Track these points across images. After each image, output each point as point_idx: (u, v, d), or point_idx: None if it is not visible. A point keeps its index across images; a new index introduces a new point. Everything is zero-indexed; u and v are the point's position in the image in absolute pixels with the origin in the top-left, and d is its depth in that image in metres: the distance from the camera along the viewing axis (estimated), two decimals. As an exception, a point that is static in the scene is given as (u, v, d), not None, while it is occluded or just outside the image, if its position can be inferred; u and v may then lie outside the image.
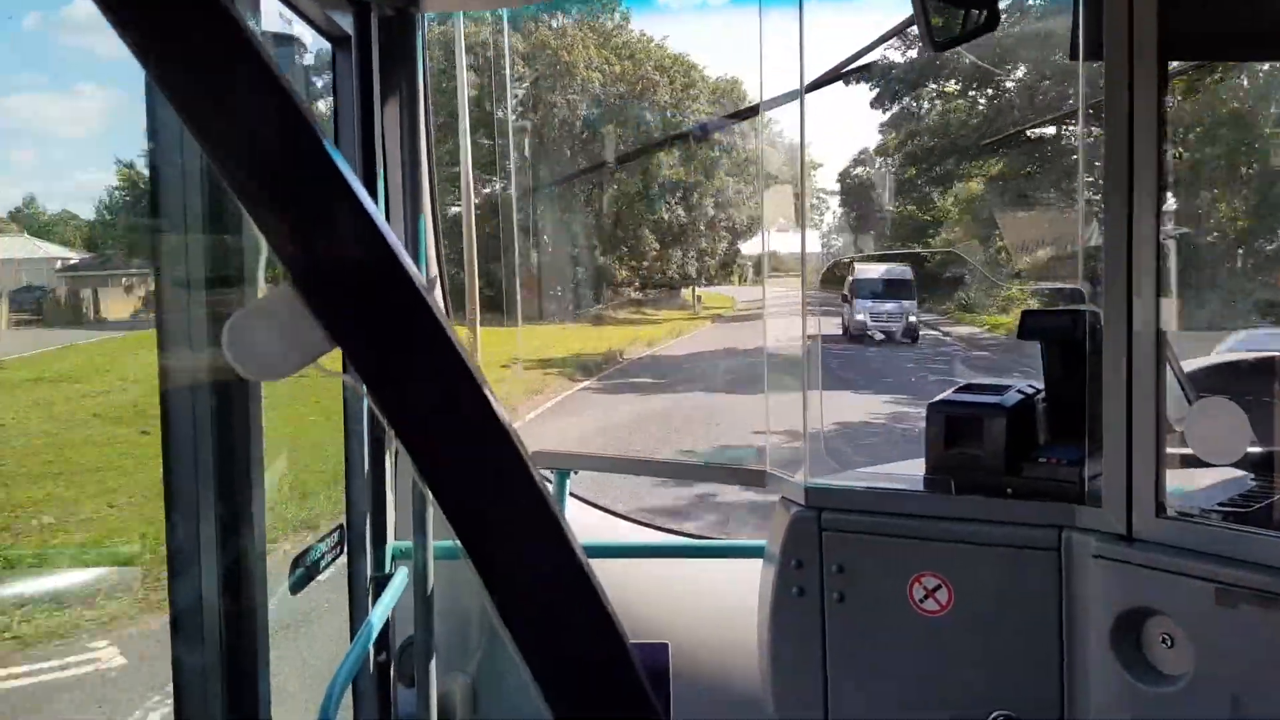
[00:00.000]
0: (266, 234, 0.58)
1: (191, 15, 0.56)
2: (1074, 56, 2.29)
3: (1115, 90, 2.06)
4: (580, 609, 0.59)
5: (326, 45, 2.95)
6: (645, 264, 28.91)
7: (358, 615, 3.06)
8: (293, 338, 0.60)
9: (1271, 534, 1.95)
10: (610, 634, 0.59)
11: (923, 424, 2.54)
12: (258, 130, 0.57)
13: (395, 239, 0.58)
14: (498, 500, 0.59)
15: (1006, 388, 2.53)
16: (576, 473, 3.33)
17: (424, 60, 3.16)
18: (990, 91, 24.17)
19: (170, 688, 2.09)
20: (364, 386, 0.58)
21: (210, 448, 2.04)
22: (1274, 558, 1.90)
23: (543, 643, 0.59)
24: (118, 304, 15.72)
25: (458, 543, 0.60)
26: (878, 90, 24.82)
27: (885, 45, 2.77)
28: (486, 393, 0.58)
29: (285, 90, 0.57)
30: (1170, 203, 2.06)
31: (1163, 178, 2.01)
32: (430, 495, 0.59)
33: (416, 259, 3.11)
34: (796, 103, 2.66)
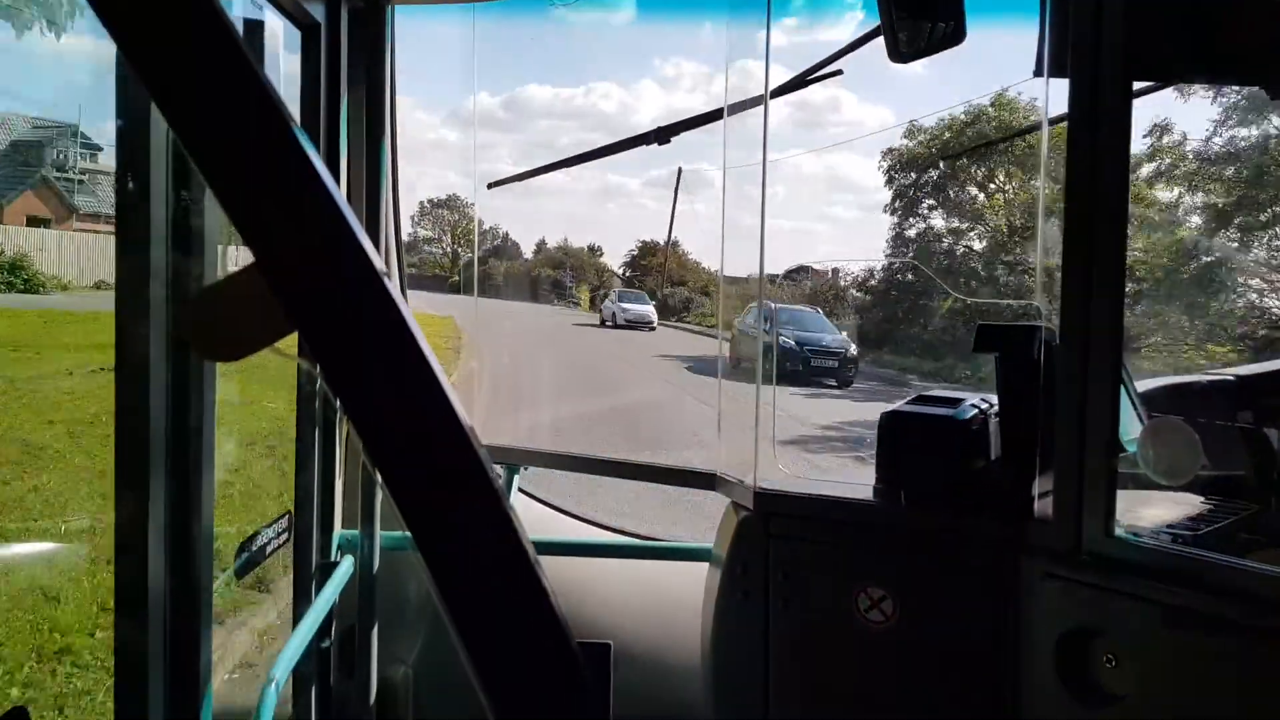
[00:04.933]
0: (232, 215, 0.56)
1: None
2: (1039, 73, 2.20)
3: (1080, 108, 1.97)
4: (527, 605, 0.57)
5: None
6: None
7: (301, 603, 2.94)
8: (253, 320, 0.58)
9: (1221, 558, 1.86)
10: (556, 631, 0.57)
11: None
12: (229, 112, 0.55)
13: (360, 227, 0.57)
14: (449, 491, 0.57)
15: (960, 400, 2.44)
16: (525, 468, 3.23)
17: (392, 52, 3.06)
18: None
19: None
20: (319, 370, 0.56)
21: (163, 426, 1.94)
22: (1223, 582, 1.81)
23: (486, 637, 0.57)
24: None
25: (405, 533, 0.55)
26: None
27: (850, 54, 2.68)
28: (442, 382, 0.57)
29: (257, 74, 0.55)
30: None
31: (1125, 197, 1.93)
32: (381, 483, 0.57)
33: (375, 246, 3.00)
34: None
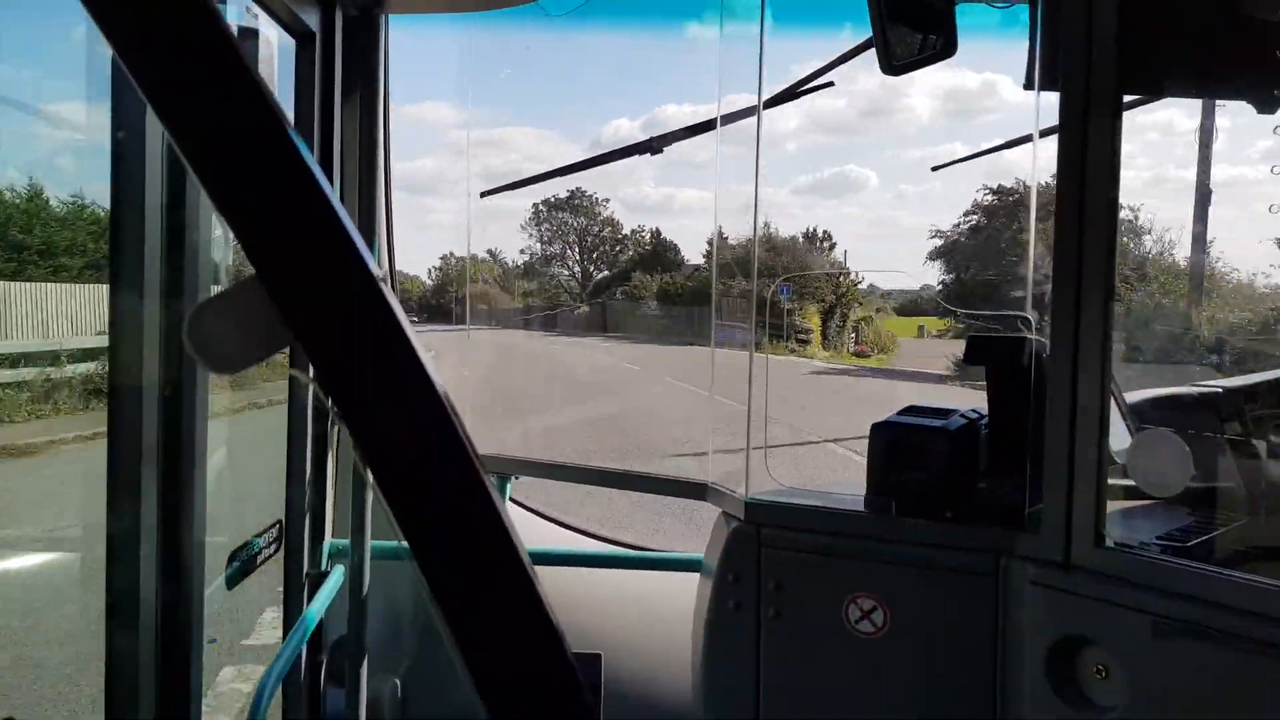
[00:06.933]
0: (232, 226, 0.55)
1: (167, 4, 0.54)
2: (1029, 85, 2.20)
3: (1071, 121, 1.96)
4: (523, 615, 0.56)
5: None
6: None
7: (292, 613, 2.91)
8: (253, 331, 0.58)
9: (1210, 569, 1.86)
10: (553, 642, 0.56)
11: None
12: (229, 121, 0.55)
13: (358, 236, 0.56)
14: (445, 500, 0.56)
15: (951, 411, 2.43)
16: (517, 477, 3.21)
17: (385, 60, 3.05)
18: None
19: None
20: (318, 382, 0.56)
21: (155, 436, 1.93)
22: (1212, 592, 1.81)
23: (483, 647, 0.56)
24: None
25: (395, 542, 0.54)
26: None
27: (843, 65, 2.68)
28: (439, 391, 0.56)
29: (258, 84, 0.55)
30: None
31: (1115, 209, 1.93)
32: (378, 494, 0.56)
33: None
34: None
